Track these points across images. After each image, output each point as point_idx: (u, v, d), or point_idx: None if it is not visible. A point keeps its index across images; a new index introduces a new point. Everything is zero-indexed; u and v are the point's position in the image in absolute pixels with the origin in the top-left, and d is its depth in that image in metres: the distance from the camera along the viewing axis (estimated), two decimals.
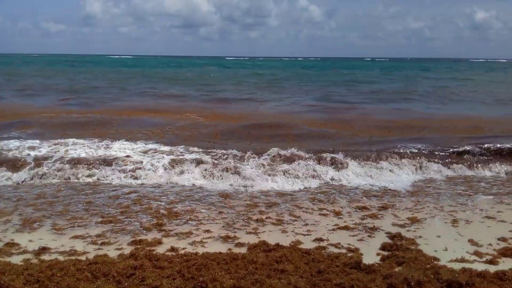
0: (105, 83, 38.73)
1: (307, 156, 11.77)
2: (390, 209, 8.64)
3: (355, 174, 10.88)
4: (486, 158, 12.23)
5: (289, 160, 11.63)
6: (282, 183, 10.19)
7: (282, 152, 11.94)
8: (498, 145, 12.71)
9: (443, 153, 12.44)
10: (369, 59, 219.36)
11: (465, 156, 12.31)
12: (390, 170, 11.22)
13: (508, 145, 12.72)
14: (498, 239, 6.91)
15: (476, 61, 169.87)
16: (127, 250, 6.24)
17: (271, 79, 49.26)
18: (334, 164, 11.31)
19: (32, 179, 10.26)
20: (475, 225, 7.68)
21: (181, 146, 12.90)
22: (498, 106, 25.80)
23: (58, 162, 10.98)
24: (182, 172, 10.66)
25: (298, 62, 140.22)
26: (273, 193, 9.66)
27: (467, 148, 12.66)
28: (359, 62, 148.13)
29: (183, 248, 6.33)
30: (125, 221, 7.65)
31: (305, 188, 10.10)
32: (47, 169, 10.58)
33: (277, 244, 6.37)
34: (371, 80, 49.19)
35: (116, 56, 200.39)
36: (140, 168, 10.76)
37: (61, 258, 5.92)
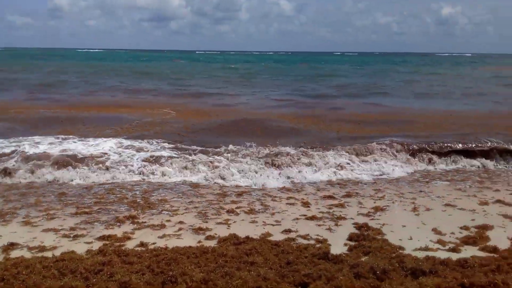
0: (74, 77, 37.89)
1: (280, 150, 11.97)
2: (355, 197, 9.00)
3: (317, 168, 10.96)
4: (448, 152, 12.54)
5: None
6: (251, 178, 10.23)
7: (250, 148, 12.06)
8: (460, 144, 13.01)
9: (409, 147, 12.71)
10: (339, 53, 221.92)
11: (431, 151, 12.59)
12: (355, 163, 11.41)
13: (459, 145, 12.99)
14: (461, 227, 7.15)
15: (442, 56, 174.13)
16: (96, 245, 6.19)
17: (242, 73, 49.27)
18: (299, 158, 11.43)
19: None
20: (437, 214, 7.94)
21: (153, 141, 12.82)
22: (466, 99, 26.38)
23: (23, 159, 10.71)
24: (154, 168, 10.55)
25: (269, 56, 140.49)
26: (242, 186, 9.78)
27: (436, 142, 12.94)
28: (329, 56, 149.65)
29: (153, 243, 6.32)
30: (99, 211, 7.76)
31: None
32: (12, 166, 10.30)
33: (247, 237, 6.43)
34: (342, 74, 49.79)
35: (85, 50, 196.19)
36: (109, 164, 10.63)
37: (28, 254, 5.84)
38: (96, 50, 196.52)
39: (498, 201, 8.67)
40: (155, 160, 11.04)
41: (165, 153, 11.71)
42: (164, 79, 38.76)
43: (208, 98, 25.63)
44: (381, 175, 10.77)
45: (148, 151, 11.86)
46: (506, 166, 11.78)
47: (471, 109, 22.01)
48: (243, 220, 7.58)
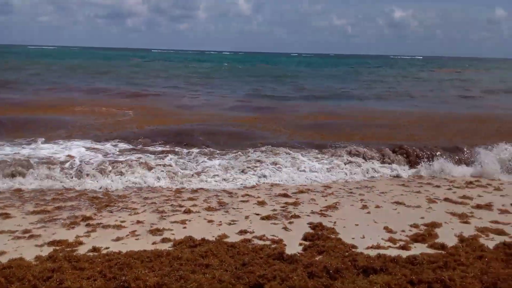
0: (24, 75, 36.31)
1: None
2: (307, 193, 9.28)
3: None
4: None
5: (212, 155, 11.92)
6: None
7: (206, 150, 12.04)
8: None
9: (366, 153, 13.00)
10: (296, 54, 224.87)
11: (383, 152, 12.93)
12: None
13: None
14: (410, 225, 7.40)
15: (396, 58, 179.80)
16: (46, 251, 5.98)
17: (199, 73, 48.96)
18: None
19: None
20: (388, 212, 8.19)
21: (108, 143, 12.58)
22: (427, 102, 27.21)
23: None
24: (109, 171, 10.28)
25: (227, 56, 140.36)
26: (198, 188, 9.75)
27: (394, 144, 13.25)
28: (286, 57, 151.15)
29: (106, 248, 6.16)
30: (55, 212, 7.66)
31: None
32: None
33: (203, 239, 6.39)
34: (301, 75, 50.41)
35: (36, 47, 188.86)
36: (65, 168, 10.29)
37: None
38: (49, 47, 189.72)
39: (446, 199, 9.04)
40: (110, 162, 10.77)
41: (120, 155, 11.51)
42: (121, 78, 37.91)
43: (166, 97, 25.34)
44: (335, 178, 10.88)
45: (101, 153, 11.60)
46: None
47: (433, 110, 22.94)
48: (199, 218, 7.59)
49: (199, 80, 38.37)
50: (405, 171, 11.32)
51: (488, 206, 8.50)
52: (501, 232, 7.10)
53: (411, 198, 9.14)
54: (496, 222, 7.64)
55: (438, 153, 12.02)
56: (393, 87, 37.23)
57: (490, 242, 6.50)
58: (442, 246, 6.39)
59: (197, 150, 12.37)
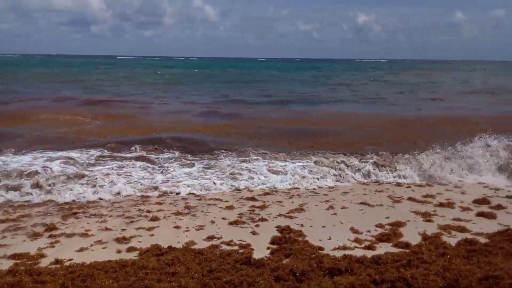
0: None
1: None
2: (273, 195, 9.36)
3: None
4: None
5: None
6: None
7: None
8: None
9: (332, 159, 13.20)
10: (264, 59, 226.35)
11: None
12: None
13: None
14: (376, 225, 7.53)
15: (361, 62, 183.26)
16: (7, 265, 5.78)
17: (167, 79, 48.60)
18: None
19: None
20: (354, 213, 8.30)
21: (74, 152, 12.36)
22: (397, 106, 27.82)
23: None
24: (74, 180, 10.05)
25: (195, 62, 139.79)
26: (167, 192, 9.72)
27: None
28: (253, 62, 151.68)
29: (70, 259, 6.00)
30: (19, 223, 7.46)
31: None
32: None
33: (170, 247, 6.32)
34: (268, 80, 50.67)
35: None
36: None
37: None
38: (11, 56, 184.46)
39: (410, 198, 9.24)
40: (76, 171, 10.55)
41: (86, 163, 11.29)
42: (87, 86, 37.17)
43: (133, 105, 25.01)
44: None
45: (67, 161, 11.34)
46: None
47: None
48: (167, 224, 7.54)
49: (167, 87, 38.05)
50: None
51: (450, 204, 8.74)
52: (463, 229, 7.31)
53: (375, 198, 9.30)
54: (458, 219, 7.85)
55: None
56: (361, 90, 37.89)
57: (452, 239, 6.68)
58: (406, 245, 6.53)
59: (166, 156, 12.31)
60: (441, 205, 8.73)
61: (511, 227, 7.12)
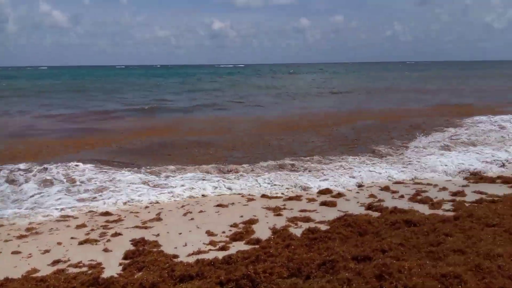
0: None
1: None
2: (129, 209, 8.95)
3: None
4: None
5: None
6: None
7: None
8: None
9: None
10: (123, 66, 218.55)
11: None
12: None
13: None
14: (230, 225, 7.74)
15: (220, 67, 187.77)
16: None
17: (12, 91, 44.04)
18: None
19: None
20: (211, 216, 8.42)
21: None
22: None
23: None
24: None
25: (44, 71, 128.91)
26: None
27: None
28: (111, 70, 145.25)
29: None
30: None
31: None
32: None
33: (7, 279, 5.69)
34: (125, 89, 48.91)
35: None
36: None
37: None
38: None
39: (263, 195, 9.65)
40: None
41: None
42: None
43: None
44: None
45: None
46: None
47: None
48: (4, 251, 6.79)
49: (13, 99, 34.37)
50: None
51: (297, 197, 9.36)
52: (307, 219, 7.90)
53: (230, 198, 9.52)
54: (304, 210, 8.47)
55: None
56: (220, 95, 38.54)
57: (298, 230, 7.17)
58: (257, 241, 6.83)
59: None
60: (290, 198, 9.31)
61: (348, 213, 7.90)
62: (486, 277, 4.55)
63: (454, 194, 9.16)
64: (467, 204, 8.15)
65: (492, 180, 10.26)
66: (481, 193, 9.10)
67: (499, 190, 9.26)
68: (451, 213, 7.36)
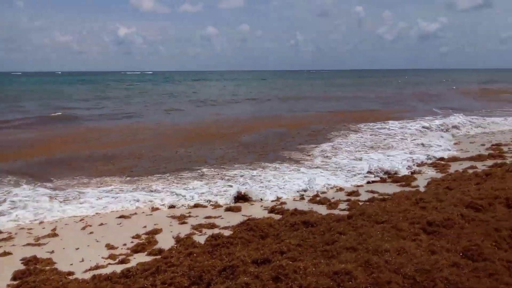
0: None
1: None
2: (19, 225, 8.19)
3: None
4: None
5: None
6: None
7: None
8: None
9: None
10: (20, 73, 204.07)
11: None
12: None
13: None
14: (133, 237, 7.49)
15: (127, 74, 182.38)
16: None
17: None
18: None
19: None
20: (112, 228, 8.08)
21: None
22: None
23: None
24: None
25: None
26: None
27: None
28: (5, 77, 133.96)
29: None
30: None
31: None
32: None
33: None
34: (24, 96, 45.62)
35: None
36: None
37: None
38: None
39: (172, 206, 9.39)
40: None
41: None
42: None
43: None
44: None
45: None
46: None
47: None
48: None
49: None
50: None
51: (203, 205, 9.32)
52: (212, 226, 7.91)
53: (132, 208, 9.21)
54: (209, 217, 8.46)
55: None
56: (121, 104, 37.04)
57: (203, 237, 7.12)
58: (160, 251, 6.69)
59: None
60: (195, 206, 9.24)
61: (251, 217, 8.03)
62: (374, 272, 4.86)
63: (350, 194, 9.74)
64: (360, 203, 8.69)
65: (383, 180, 11.05)
66: (373, 192, 9.76)
67: (389, 189, 10.01)
68: (346, 212, 7.79)
